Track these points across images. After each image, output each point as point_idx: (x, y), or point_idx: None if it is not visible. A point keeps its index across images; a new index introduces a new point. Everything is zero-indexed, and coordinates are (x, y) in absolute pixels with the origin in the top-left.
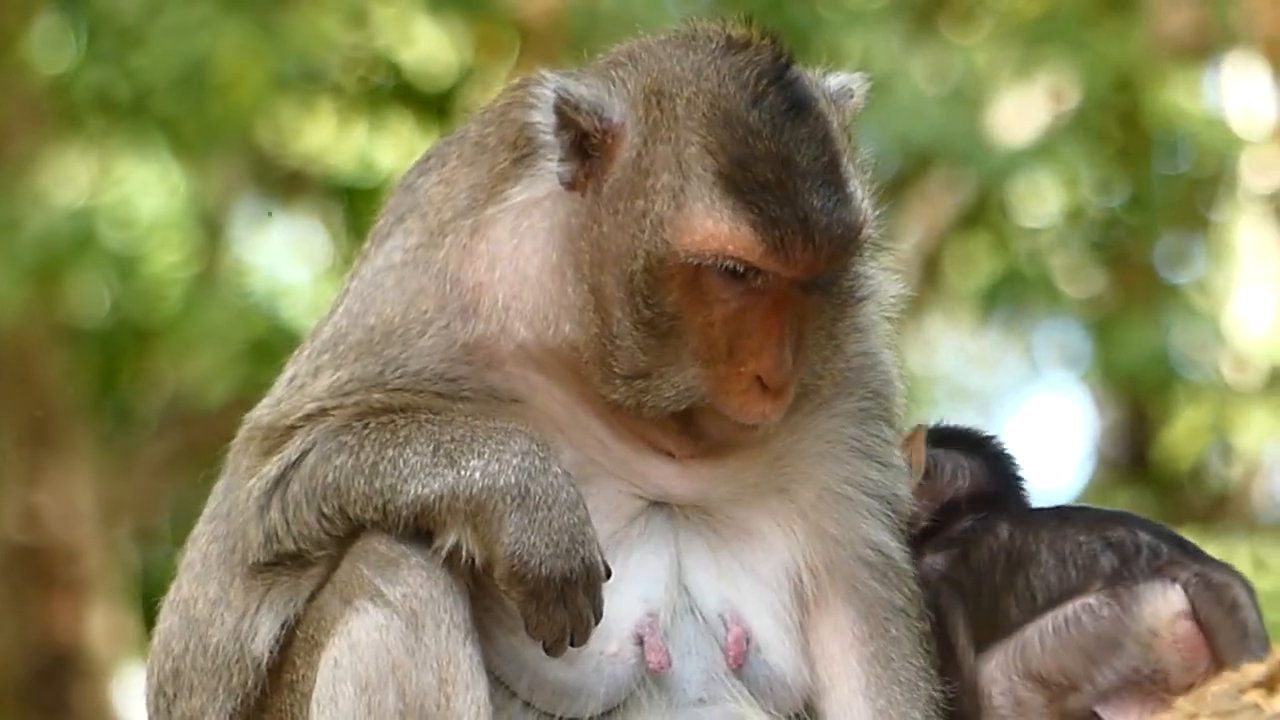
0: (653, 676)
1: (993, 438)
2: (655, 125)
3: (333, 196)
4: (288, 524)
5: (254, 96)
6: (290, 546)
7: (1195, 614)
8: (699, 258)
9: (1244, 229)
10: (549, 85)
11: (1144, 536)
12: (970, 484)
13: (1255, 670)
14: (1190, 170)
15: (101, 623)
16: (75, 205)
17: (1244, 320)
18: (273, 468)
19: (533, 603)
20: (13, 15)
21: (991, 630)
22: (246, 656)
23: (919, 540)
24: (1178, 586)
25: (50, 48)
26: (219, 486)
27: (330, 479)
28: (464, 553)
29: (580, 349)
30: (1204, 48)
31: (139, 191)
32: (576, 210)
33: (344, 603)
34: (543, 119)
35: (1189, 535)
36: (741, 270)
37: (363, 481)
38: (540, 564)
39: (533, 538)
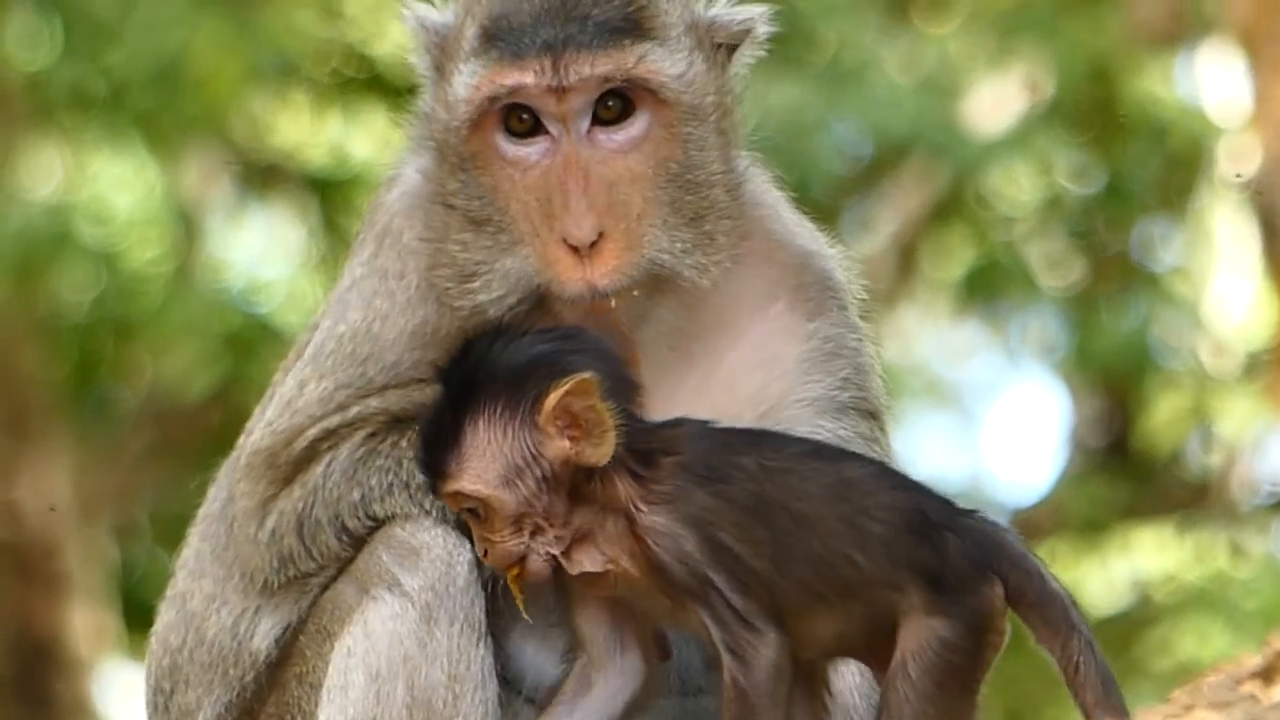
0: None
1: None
2: (462, 28)
3: (308, 190)
4: (306, 549)
5: (230, 91)
6: (309, 566)
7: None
8: (474, 111)
9: (1221, 216)
10: (410, 15)
11: (934, 502)
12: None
13: (1252, 661)
14: (1166, 158)
15: (81, 618)
16: (52, 201)
17: (1222, 307)
18: (294, 501)
19: None
20: None
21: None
22: (244, 653)
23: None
24: (999, 586)
25: (25, 45)
26: (212, 491)
27: (358, 495)
28: None
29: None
30: (1179, 35)
31: (114, 187)
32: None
33: (361, 591)
34: (413, 54)
35: (1169, 524)
36: (506, 105)
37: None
38: None
39: None
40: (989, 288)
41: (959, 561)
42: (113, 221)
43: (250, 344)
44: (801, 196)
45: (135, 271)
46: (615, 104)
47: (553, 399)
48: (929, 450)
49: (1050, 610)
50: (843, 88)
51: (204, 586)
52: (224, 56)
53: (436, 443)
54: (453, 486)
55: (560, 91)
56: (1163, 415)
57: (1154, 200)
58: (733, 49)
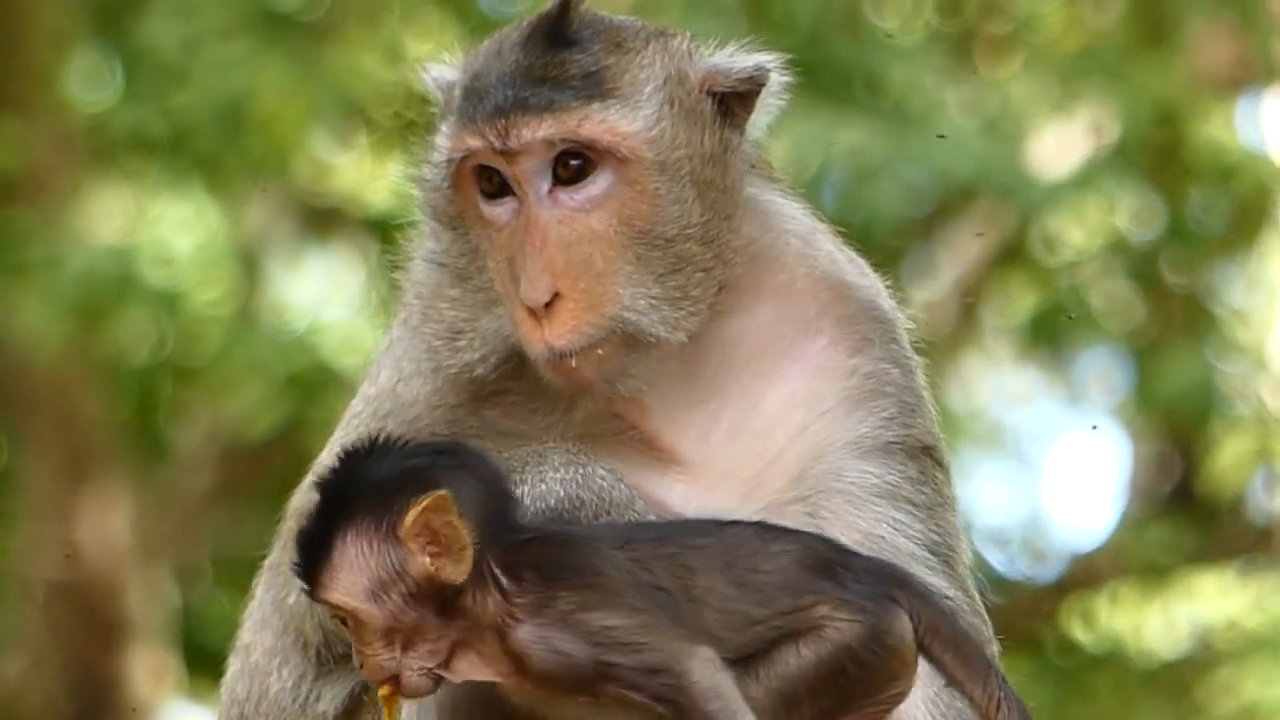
0: None
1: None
2: (456, 85)
3: (369, 232)
4: None
5: (293, 133)
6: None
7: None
8: (442, 172)
9: None
10: (426, 73)
11: (823, 545)
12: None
13: None
14: (1231, 202)
15: (141, 660)
16: (113, 244)
17: None
18: None
19: None
20: (50, 53)
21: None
22: (309, 714)
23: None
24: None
25: (87, 86)
26: (276, 541)
27: None
28: None
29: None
30: (1244, 81)
31: (176, 229)
32: None
33: None
34: (433, 107)
35: (1231, 569)
36: (477, 166)
37: None
38: None
39: None
40: (1052, 332)
41: (857, 589)
42: (174, 264)
43: (312, 386)
44: (866, 239)
45: (196, 313)
46: (575, 163)
47: (411, 515)
48: (989, 495)
49: (967, 648)
50: (908, 131)
51: (264, 640)
52: (287, 99)
53: (310, 552)
54: (323, 596)
55: (508, 155)
56: (1226, 459)
57: (1218, 244)
58: (745, 97)
